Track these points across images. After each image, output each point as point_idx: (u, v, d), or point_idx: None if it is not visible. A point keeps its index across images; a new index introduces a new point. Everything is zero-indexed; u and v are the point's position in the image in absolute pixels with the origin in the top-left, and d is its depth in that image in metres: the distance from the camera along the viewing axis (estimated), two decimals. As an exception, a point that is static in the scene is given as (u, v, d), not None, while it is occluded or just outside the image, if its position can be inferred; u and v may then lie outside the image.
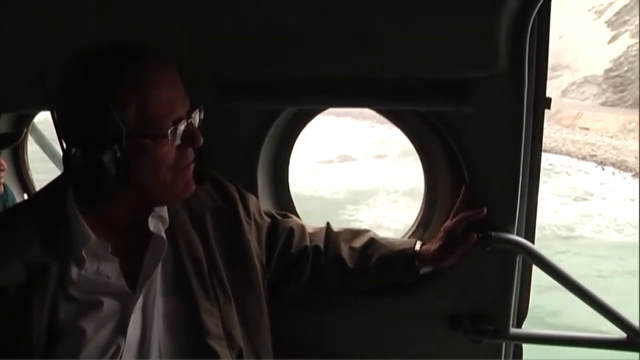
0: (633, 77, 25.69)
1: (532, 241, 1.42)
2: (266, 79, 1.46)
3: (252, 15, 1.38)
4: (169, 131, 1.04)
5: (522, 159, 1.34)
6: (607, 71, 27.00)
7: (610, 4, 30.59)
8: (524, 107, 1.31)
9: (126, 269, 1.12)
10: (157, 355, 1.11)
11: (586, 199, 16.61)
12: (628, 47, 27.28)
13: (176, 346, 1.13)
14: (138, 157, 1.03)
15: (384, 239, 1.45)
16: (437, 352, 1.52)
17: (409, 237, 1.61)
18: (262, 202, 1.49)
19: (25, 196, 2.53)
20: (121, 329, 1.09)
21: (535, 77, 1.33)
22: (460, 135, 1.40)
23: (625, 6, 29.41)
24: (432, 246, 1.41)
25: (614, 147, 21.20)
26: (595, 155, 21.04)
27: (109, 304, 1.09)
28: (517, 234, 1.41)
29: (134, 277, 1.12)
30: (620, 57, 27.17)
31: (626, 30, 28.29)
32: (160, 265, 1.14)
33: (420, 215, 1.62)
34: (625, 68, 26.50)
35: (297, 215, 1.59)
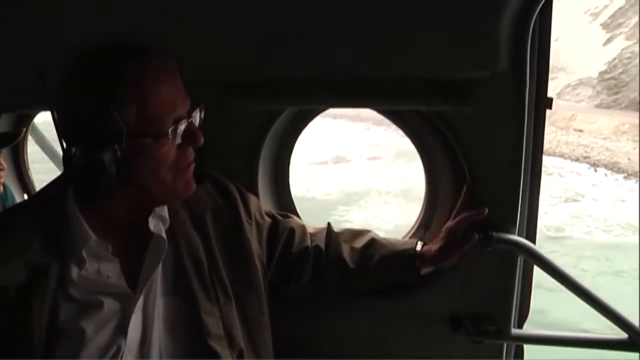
0: (627, 79, 25.84)
1: (533, 241, 1.42)
2: (267, 79, 1.46)
3: (252, 15, 1.37)
4: (169, 130, 1.03)
5: (523, 159, 1.34)
6: (601, 73, 27.14)
7: (606, 6, 30.75)
8: (525, 107, 1.31)
9: (126, 269, 1.11)
10: (158, 356, 1.11)
11: (577, 200, 16.69)
12: (622, 50, 27.43)
13: (177, 346, 1.13)
14: (138, 157, 1.03)
15: (384, 239, 1.44)
16: (437, 353, 1.52)
17: (410, 238, 1.61)
18: (262, 202, 1.49)
19: (25, 196, 2.53)
20: (121, 329, 1.08)
21: (536, 77, 1.32)
22: (461, 135, 1.39)
23: (620, 8, 29.58)
24: (433, 246, 1.40)
25: (607, 149, 21.31)
26: (588, 157, 21.15)
27: (110, 304, 1.08)
28: (518, 234, 1.41)
29: (135, 277, 1.11)
30: (614, 59, 27.31)
31: (621, 33, 28.45)
32: (160, 265, 1.13)
33: (421, 215, 1.62)
34: (620, 70, 26.64)
35: (298, 216, 1.59)
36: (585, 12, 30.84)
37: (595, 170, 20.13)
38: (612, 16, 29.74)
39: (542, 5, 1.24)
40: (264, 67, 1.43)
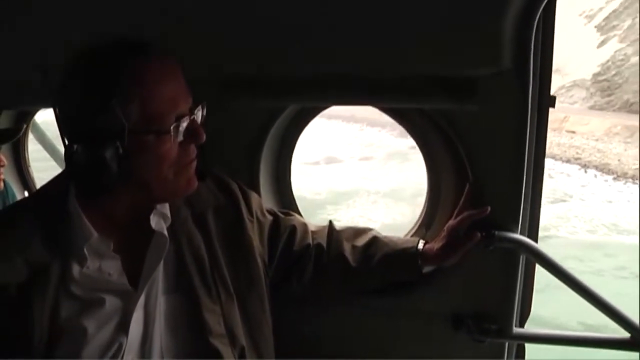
0: (620, 81, 25.99)
1: (536, 240, 1.42)
2: (268, 77, 1.45)
3: (254, 13, 1.37)
4: (171, 127, 1.03)
5: (526, 157, 1.34)
6: (595, 75, 27.29)
7: (601, 8, 30.93)
8: (528, 106, 1.30)
9: (128, 267, 1.11)
10: (159, 354, 1.10)
11: (565, 201, 16.76)
12: (615, 52, 27.60)
13: (178, 344, 1.12)
14: (140, 154, 1.02)
15: (386, 237, 1.44)
16: (439, 351, 1.51)
17: (412, 236, 1.60)
18: (264, 200, 1.48)
19: (26, 193, 2.52)
20: (123, 327, 1.08)
21: (539, 75, 1.32)
22: (464, 134, 1.39)
23: (614, 11, 29.77)
24: (435, 245, 1.40)
25: (599, 150, 21.42)
26: (579, 158, 21.24)
27: (111, 302, 1.08)
28: (520, 233, 1.40)
29: (136, 275, 1.11)
30: (608, 61, 27.47)
31: (615, 35, 28.62)
32: (162, 263, 1.13)
33: (423, 213, 1.61)
34: (613, 72, 26.79)
35: (299, 214, 1.58)
36: (581, 15, 31.01)
37: (586, 172, 20.23)
38: (607, 18, 29.93)
39: (546, 4, 1.23)
40: (266, 65, 1.42)
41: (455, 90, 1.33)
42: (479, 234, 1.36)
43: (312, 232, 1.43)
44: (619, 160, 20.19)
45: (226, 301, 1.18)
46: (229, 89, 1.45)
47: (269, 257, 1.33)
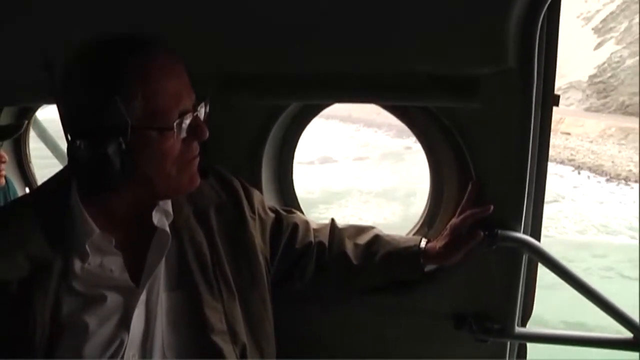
0: (616, 83, 26.12)
1: (539, 239, 1.41)
2: (270, 75, 1.44)
3: (254, 12, 1.36)
4: (174, 124, 1.02)
5: (529, 156, 1.33)
6: (591, 77, 27.40)
7: (598, 11, 31.05)
8: (532, 104, 1.30)
9: (130, 263, 1.11)
10: (160, 351, 1.10)
11: (557, 201, 16.88)
12: (611, 54, 27.70)
13: (179, 341, 1.11)
14: (143, 150, 1.02)
15: (388, 236, 1.44)
16: (440, 351, 1.51)
17: (414, 235, 1.60)
18: (266, 198, 1.47)
19: (27, 189, 2.52)
20: (124, 323, 1.07)
21: (544, 74, 1.32)
22: (467, 132, 1.38)
23: (612, 13, 29.89)
24: (438, 244, 1.40)
25: (593, 152, 21.55)
26: (573, 160, 21.36)
27: (113, 299, 1.07)
28: (523, 232, 1.40)
29: (138, 272, 1.10)
30: (604, 63, 27.58)
31: (611, 37, 28.74)
32: (164, 259, 1.12)
33: (425, 212, 1.61)
34: (609, 74, 26.90)
35: (301, 211, 1.58)
36: (578, 17, 31.10)
37: (579, 173, 20.37)
38: (604, 20, 30.04)
39: (551, 3, 1.23)
40: (268, 63, 1.42)
41: (459, 88, 1.33)
42: (481, 233, 1.35)
43: (314, 229, 1.42)
44: (612, 161, 20.33)
45: (228, 298, 1.17)
46: (230, 87, 1.44)
47: (271, 254, 1.33)
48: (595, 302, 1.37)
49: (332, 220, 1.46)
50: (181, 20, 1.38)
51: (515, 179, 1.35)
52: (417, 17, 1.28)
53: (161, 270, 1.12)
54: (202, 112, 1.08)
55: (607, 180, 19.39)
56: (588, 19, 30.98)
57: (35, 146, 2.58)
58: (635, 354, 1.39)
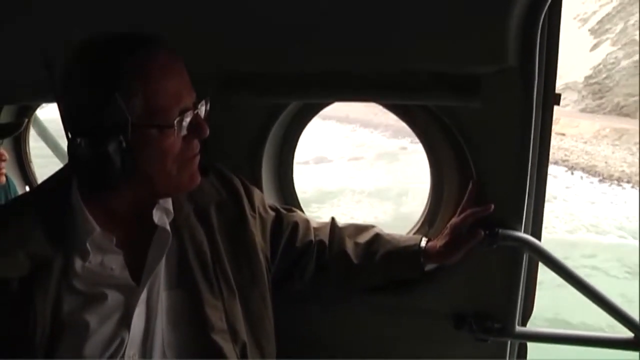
0: (611, 84, 26.18)
1: (539, 239, 1.41)
2: (271, 74, 1.44)
3: (254, 11, 1.36)
4: (175, 122, 1.02)
5: (530, 155, 1.33)
6: (587, 78, 27.45)
7: (594, 12, 31.11)
8: (533, 103, 1.30)
9: (130, 262, 1.10)
10: (161, 349, 1.09)
11: (549, 201, 16.93)
12: (607, 55, 27.77)
13: (179, 340, 1.11)
14: (144, 148, 1.02)
15: (389, 235, 1.44)
16: (441, 350, 1.51)
17: (414, 234, 1.60)
18: (266, 197, 1.47)
19: (27, 188, 2.52)
20: (125, 322, 1.07)
21: (545, 73, 1.31)
22: (468, 131, 1.38)
23: (608, 14, 29.95)
24: (438, 243, 1.40)
25: (587, 153, 21.58)
26: (567, 160, 21.37)
27: (113, 297, 1.07)
28: (524, 231, 1.40)
29: (138, 270, 1.10)
30: (599, 64, 27.64)
31: (607, 39, 28.79)
32: (164, 258, 1.12)
33: (426, 211, 1.61)
34: (604, 75, 26.96)
35: (302, 210, 1.58)
36: (575, 18, 31.14)
37: (572, 173, 20.40)
38: (600, 22, 30.10)
39: (552, 2, 1.23)
40: (268, 62, 1.42)
41: (460, 87, 1.33)
42: (482, 232, 1.35)
43: (315, 228, 1.42)
44: (606, 162, 20.37)
45: (228, 297, 1.17)
46: (230, 87, 1.44)
47: (271, 253, 1.33)
48: (596, 302, 1.37)
49: (333, 219, 1.46)
50: (181, 20, 1.38)
51: (516, 177, 1.35)
52: (418, 16, 1.28)
53: (161, 268, 1.12)
54: (202, 110, 1.08)
55: (600, 180, 19.42)
56: (585, 20, 31.05)
57: (35, 145, 2.58)
58: (635, 354, 1.40)
